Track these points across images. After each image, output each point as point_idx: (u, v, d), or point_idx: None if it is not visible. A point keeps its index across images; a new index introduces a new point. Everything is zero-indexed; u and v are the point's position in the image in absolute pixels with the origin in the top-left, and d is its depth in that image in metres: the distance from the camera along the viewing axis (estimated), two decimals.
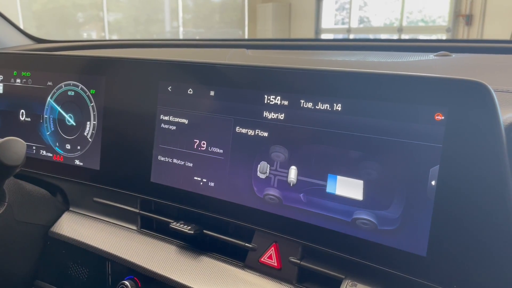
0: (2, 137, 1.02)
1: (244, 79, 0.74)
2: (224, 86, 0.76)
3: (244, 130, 0.74)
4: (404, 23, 6.95)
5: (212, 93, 0.77)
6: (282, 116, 0.70)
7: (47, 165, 0.97)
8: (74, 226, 0.92)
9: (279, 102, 0.70)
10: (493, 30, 5.54)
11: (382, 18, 7.56)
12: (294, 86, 0.69)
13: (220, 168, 0.77)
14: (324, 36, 8.04)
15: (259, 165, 0.73)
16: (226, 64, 0.75)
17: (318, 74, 0.66)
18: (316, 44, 1.26)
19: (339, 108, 0.65)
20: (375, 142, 0.62)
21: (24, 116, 1.01)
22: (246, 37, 8.67)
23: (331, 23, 8.04)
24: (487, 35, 5.60)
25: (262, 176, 0.72)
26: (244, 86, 0.74)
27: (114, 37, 7.34)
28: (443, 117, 0.57)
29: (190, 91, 0.80)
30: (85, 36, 7.06)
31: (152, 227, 0.89)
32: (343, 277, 0.65)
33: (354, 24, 7.67)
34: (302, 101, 0.68)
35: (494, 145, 0.52)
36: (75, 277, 0.90)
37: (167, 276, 0.76)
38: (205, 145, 0.78)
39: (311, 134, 0.67)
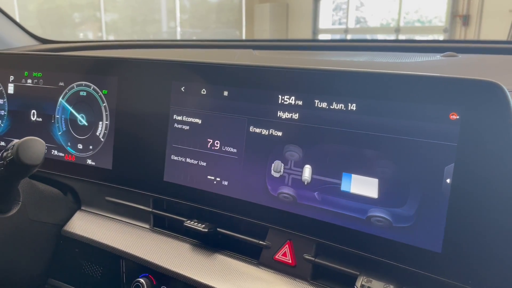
0: (14, 138, 1.03)
1: (258, 79, 0.75)
2: (238, 86, 0.77)
3: (258, 130, 0.75)
4: (401, 24, 6.98)
5: (225, 93, 0.79)
6: (296, 116, 0.71)
7: (59, 164, 0.98)
8: (87, 225, 0.93)
9: (293, 102, 0.72)
10: (490, 31, 5.57)
11: (378, 18, 7.59)
12: (308, 86, 0.70)
13: (234, 167, 0.78)
14: (322, 36, 8.06)
15: (273, 164, 0.74)
16: (240, 64, 0.77)
17: (333, 74, 0.68)
18: (322, 45, 1.28)
19: (354, 108, 0.66)
20: (390, 141, 0.63)
21: (35, 116, 1.02)
22: (244, 37, 8.68)
23: (328, 23, 8.06)
24: (484, 36, 5.63)
25: (276, 175, 0.74)
26: (258, 86, 0.75)
27: (111, 37, 7.33)
28: (458, 117, 0.58)
29: (204, 91, 0.81)
30: (81, 36, 7.06)
31: (165, 226, 0.90)
32: (358, 273, 0.66)
33: (351, 24, 7.69)
34: (316, 101, 0.70)
35: (508, 143, 0.54)
36: (89, 275, 0.90)
37: (182, 273, 0.77)
38: (218, 145, 0.79)
39: (325, 133, 0.69)
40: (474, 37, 5.75)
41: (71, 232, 0.93)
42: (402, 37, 6.90)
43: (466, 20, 5.85)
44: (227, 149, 0.79)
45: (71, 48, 1.43)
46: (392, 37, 7.09)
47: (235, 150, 0.78)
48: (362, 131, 0.66)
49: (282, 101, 0.73)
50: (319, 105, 0.69)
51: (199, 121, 0.82)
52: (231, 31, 8.74)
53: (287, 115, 0.72)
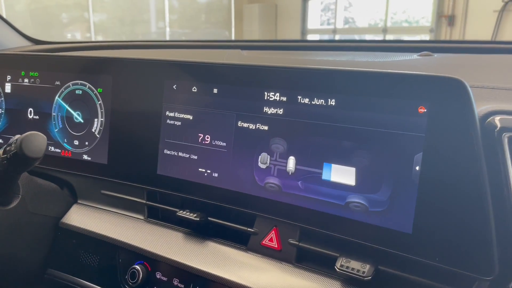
0: (11, 135, 1.07)
1: (245, 77, 0.80)
2: (226, 84, 0.82)
3: (245, 124, 0.81)
4: (389, 24, 7.09)
5: (215, 90, 0.84)
6: (281, 111, 0.77)
7: (56, 160, 1.02)
8: (83, 217, 0.98)
9: (278, 98, 0.77)
10: (475, 31, 5.69)
11: (366, 18, 7.69)
12: (292, 84, 0.76)
13: (223, 160, 0.83)
14: (310, 36, 8.14)
15: (260, 156, 0.79)
16: (229, 64, 0.82)
17: (314, 72, 0.74)
18: (307, 45, 1.34)
19: (333, 103, 0.72)
20: (366, 133, 0.69)
21: (32, 114, 1.06)
22: (233, 37, 8.73)
23: (317, 23, 8.14)
24: (469, 36, 5.75)
25: (263, 166, 0.79)
26: (245, 84, 0.80)
27: (100, 38, 7.33)
28: (425, 110, 0.64)
29: (195, 89, 0.86)
30: (69, 37, 7.05)
31: (158, 217, 0.95)
32: (338, 255, 0.72)
33: (340, 24, 7.78)
34: (299, 97, 0.75)
35: (470, 133, 0.60)
36: (87, 264, 0.95)
37: (176, 259, 0.82)
38: (209, 139, 0.85)
39: (308, 127, 0.74)
40: (459, 37, 5.86)
41: (69, 224, 0.97)
42: (389, 37, 7.00)
43: (451, 20, 5.96)
44: (217, 143, 0.84)
45: (65, 49, 1.47)
46: (379, 37, 7.19)
47: (224, 144, 0.83)
48: (341, 124, 0.72)
49: (268, 98, 0.78)
50: (301, 101, 0.75)
51: (191, 117, 0.87)
52: (220, 31, 8.78)
53: (273, 111, 0.78)
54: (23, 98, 1.08)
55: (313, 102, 0.74)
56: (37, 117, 1.06)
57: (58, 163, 1.02)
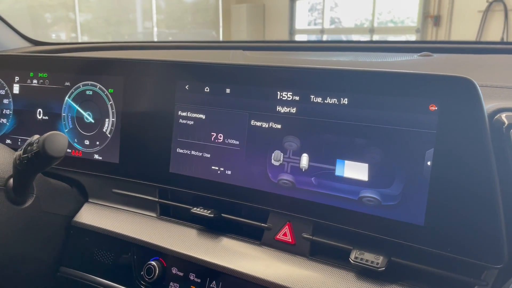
0: (20, 136, 1.08)
1: (258, 77, 0.83)
2: (239, 84, 0.85)
3: (259, 123, 0.83)
4: (375, 24, 7.17)
5: (228, 90, 0.86)
6: (294, 110, 0.80)
7: (66, 160, 1.02)
8: (95, 215, 0.99)
9: (291, 97, 0.80)
10: (460, 31, 5.80)
11: (353, 19, 7.77)
12: (305, 83, 0.79)
13: (236, 157, 0.86)
14: (298, 36, 8.20)
15: (273, 154, 0.82)
16: (242, 64, 0.85)
17: (327, 72, 0.77)
18: (308, 46, 1.37)
19: (346, 102, 0.75)
20: (378, 130, 0.72)
21: (41, 114, 1.07)
22: (221, 38, 8.74)
23: (304, 24, 8.20)
24: (454, 36, 5.86)
25: (276, 163, 0.82)
26: (258, 84, 0.83)
27: (85, 38, 7.27)
28: (436, 108, 0.67)
29: (207, 89, 0.88)
30: (54, 37, 6.98)
31: (170, 215, 0.97)
32: (351, 248, 0.75)
33: (326, 25, 7.85)
34: (312, 96, 0.78)
35: (479, 130, 0.64)
36: (100, 261, 0.97)
37: (191, 255, 0.85)
38: (222, 138, 0.87)
39: (320, 125, 0.77)
40: (445, 37, 5.97)
41: (81, 223, 0.99)
42: (375, 37, 7.08)
43: (437, 20, 6.07)
44: (230, 141, 0.86)
45: (66, 50, 1.48)
46: (366, 37, 7.28)
47: (237, 142, 0.86)
48: (353, 122, 0.75)
49: (281, 97, 0.81)
50: (314, 100, 0.78)
51: (203, 117, 0.89)
52: (207, 31, 8.78)
53: (286, 109, 0.81)
54: (31, 99, 1.09)
55: (325, 101, 0.77)
56: (46, 117, 1.07)
57: (69, 163, 1.03)
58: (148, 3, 7.84)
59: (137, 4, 7.90)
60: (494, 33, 5.41)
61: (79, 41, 6.87)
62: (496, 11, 5.41)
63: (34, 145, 0.74)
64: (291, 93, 0.80)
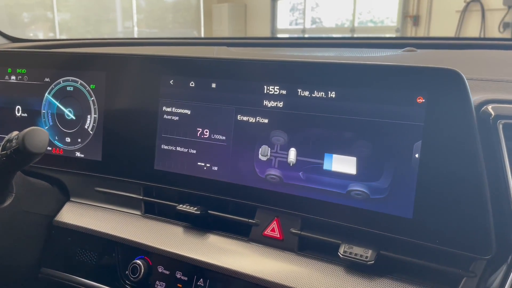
0: None
1: (245, 71, 0.82)
2: (225, 78, 0.84)
3: (245, 118, 0.82)
4: (355, 24, 7.23)
5: (213, 85, 0.85)
6: (281, 104, 0.79)
7: (47, 158, 1.00)
8: (78, 215, 0.97)
9: (278, 91, 0.79)
10: (439, 30, 5.89)
11: (333, 19, 7.82)
12: (292, 77, 0.78)
13: (223, 153, 0.84)
14: (280, 36, 8.21)
15: (260, 149, 0.81)
16: (228, 58, 0.84)
17: (315, 65, 0.76)
18: (292, 42, 1.36)
19: (333, 95, 0.75)
20: (366, 123, 0.72)
21: (20, 112, 1.04)
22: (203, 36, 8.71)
23: (286, 23, 8.22)
24: (433, 34, 5.95)
25: (264, 158, 0.81)
26: (245, 78, 0.82)
27: (63, 37, 7.15)
28: (423, 100, 0.67)
29: (192, 84, 0.87)
30: (31, 36, 6.85)
31: (155, 213, 0.95)
32: (340, 242, 0.75)
33: (307, 24, 7.88)
34: (299, 90, 0.77)
35: (467, 122, 0.64)
36: (84, 262, 0.94)
37: (178, 252, 0.83)
38: (208, 133, 0.86)
39: (308, 119, 0.77)
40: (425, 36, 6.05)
41: (63, 222, 0.96)
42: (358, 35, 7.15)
43: (416, 20, 6.15)
44: (216, 136, 0.85)
45: (44, 46, 1.44)
46: (351, 35, 7.34)
47: (224, 138, 0.84)
48: (341, 116, 0.74)
49: (268, 91, 0.80)
50: (301, 94, 0.77)
51: (188, 112, 0.88)
52: (188, 31, 8.72)
53: (273, 104, 0.80)
54: (9, 95, 1.05)
55: (313, 95, 0.76)
56: (25, 114, 1.04)
57: (50, 161, 1.01)
58: (128, 2, 7.75)
59: (116, 3, 7.80)
60: (471, 32, 5.52)
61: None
62: (473, 11, 5.52)
63: (14, 141, 0.72)
64: (278, 87, 0.79)
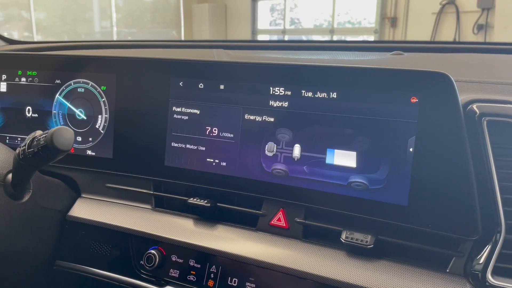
0: (8, 134, 1.09)
1: (251, 74, 0.89)
2: (233, 80, 0.90)
3: (252, 117, 0.89)
4: (334, 25, 7.36)
5: (222, 86, 0.92)
6: (286, 104, 0.86)
7: None
8: (90, 209, 1.02)
9: (283, 92, 0.87)
10: (416, 32, 6.07)
11: (312, 19, 7.93)
12: (296, 79, 0.85)
13: (231, 150, 0.91)
14: (260, 36, 8.29)
15: (266, 145, 0.88)
16: (236, 62, 0.90)
17: (318, 69, 0.84)
18: (286, 45, 1.44)
19: (335, 96, 0.82)
20: (365, 121, 0.80)
21: (30, 112, 1.08)
22: (183, 37, 8.70)
23: (266, 24, 8.30)
24: (410, 36, 6.12)
25: (270, 154, 0.88)
26: (251, 80, 0.89)
27: (39, 37, 7.06)
28: (417, 100, 0.76)
29: (201, 85, 0.93)
30: (6, 35, 6.73)
31: (164, 206, 1.01)
32: (342, 229, 0.82)
33: (288, 25, 7.98)
34: (303, 91, 0.85)
35: (455, 119, 0.72)
36: (98, 253, 1.00)
37: (190, 242, 0.89)
38: (216, 131, 0.92)
39: (311, 117, 0.84)
40: (402, 37, 6.22)
41: (76, 217, 1.01)
42: (336, 38, 7.28)
43: (394, 22, 6.32)
44: (224, 134, 0.92)
45: (45, 48, 1.48)
46: (327, 37, 7.46)
47: (232, 135, 0.91)
48: (342, 114, 0.82)
49: (273, 92, 0.87)
50: (305, 95, 0.85)
51: (198, 111, 0.94)
52: (167, 31, 8.70)
53: (278, 104, 0.87)
54: (20, 97, 1.10)
55: (316, 95, 0.84)
56: (36, 115, 1.08)
57: (61, 159, 1.05)
58: (106, 2, 7.69)
59: (94, 2, 7.74)
60: (447, 34, 5.70)
61: (34, 40, 6.66)
62: (448, 13, 5.71)
63: (41, 139, 0.77)
64: (283, 89, 0.86)
